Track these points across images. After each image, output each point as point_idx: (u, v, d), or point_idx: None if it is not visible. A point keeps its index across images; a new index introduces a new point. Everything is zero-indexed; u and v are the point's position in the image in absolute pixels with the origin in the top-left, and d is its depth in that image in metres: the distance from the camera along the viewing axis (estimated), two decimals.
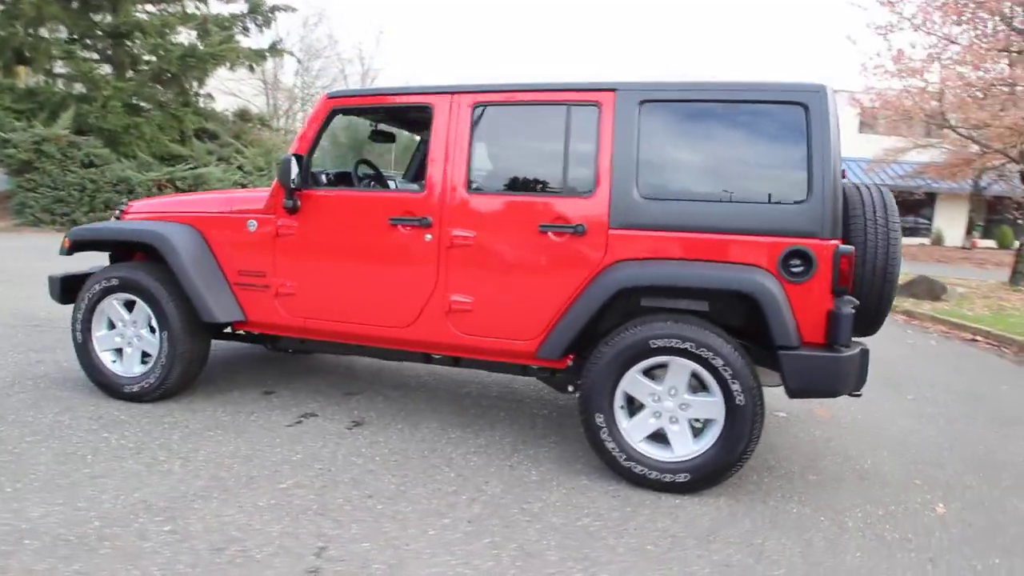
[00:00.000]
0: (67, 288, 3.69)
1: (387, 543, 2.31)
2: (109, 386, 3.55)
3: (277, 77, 23.40)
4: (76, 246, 3.67)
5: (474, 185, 3.03)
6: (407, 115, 3.68)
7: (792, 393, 2.67)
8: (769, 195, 2.71)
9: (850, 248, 2.63)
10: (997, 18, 10.71)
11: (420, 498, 2.65)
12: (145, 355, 3.58)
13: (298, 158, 3.15)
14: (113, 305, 3.56)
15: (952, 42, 10.99)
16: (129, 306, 3.56)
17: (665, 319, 2.74)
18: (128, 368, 3.57)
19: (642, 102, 2.81)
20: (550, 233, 2.89)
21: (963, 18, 10.95)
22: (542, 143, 3.00)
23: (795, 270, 2.65)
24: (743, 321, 2.83)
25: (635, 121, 2.81)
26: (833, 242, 2.62)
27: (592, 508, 2.64)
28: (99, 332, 3.60)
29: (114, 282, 3.49)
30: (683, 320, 2.73)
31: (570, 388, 3.19)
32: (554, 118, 2.94)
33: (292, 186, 3.15)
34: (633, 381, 2.81)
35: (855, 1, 11.69)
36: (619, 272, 2.77)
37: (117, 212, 3.78)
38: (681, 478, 2.76)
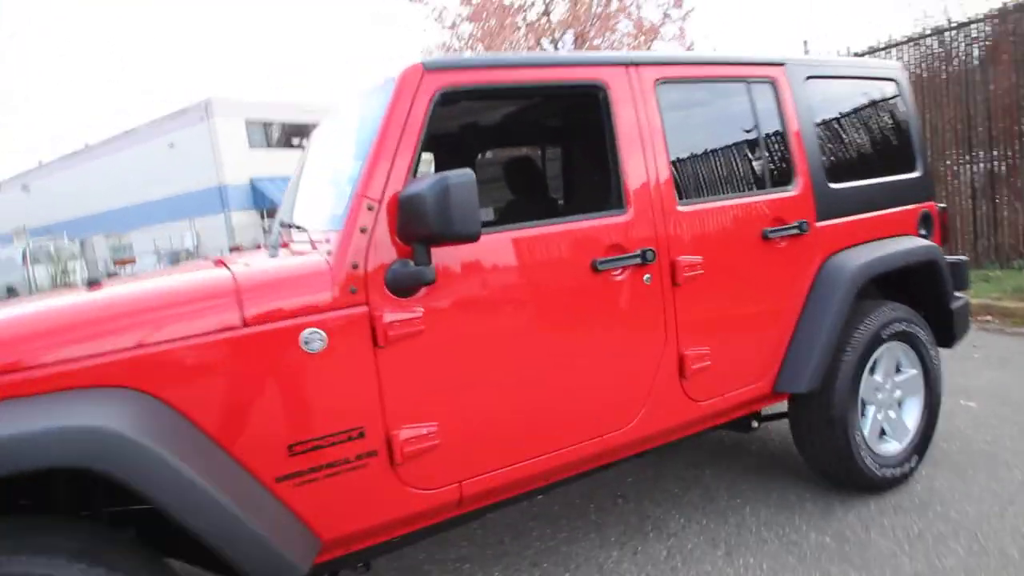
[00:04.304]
0: None
1: None
2: None
3: None
4: None
5: (683, 193, 2.15)
6: (555, 102, 2.27)
7: (953, 343, 2.87)
8: (901, 167, 2.81)
9: (944, 205, 2.98)
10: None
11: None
12: None
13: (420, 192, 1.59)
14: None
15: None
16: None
17: (883, 306, 2.56)
18: None
19: (807, 78, 2.50)
20: (775, 238, 2.31)
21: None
22: (731, 129, 2.34)
23: (922, 232, 2.85)
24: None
25: (807, 100, 2.48)
26: (934, 203, 2.93)
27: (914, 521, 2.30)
28: None
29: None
30: (892, 303, 2.61)
31: (754, 424, 2.66)
32: (738, 98, 2.33)
33: (444, 238, 1.59)
34: (866, 383, 2.54)
35: None
36: (846, 266, 2.43)
37: None
38: (913, 463, 2.66)
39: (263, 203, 24.66)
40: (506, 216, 2.90)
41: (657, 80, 2.12)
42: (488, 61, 1.88)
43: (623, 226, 1.99)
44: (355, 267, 1.63)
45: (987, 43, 6.51)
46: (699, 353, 2.14)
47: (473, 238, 1.57)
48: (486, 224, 1.88)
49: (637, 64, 2.08)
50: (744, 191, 2.31)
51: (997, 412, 3.39)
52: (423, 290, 1.68)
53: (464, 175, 1.54)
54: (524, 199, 2.91)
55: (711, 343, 2.17)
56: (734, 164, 2.32)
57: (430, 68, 1.76)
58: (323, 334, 1.58)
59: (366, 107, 1.93)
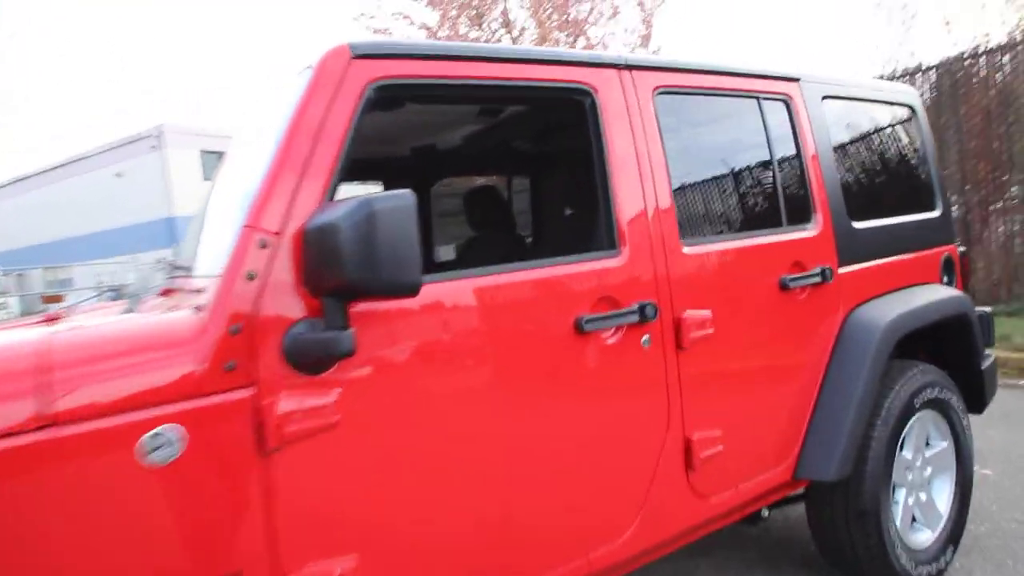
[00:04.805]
0: None
1: None
2: None
3: None
4: None
5: (687, 232, 1.69)
6: (530, 110, 1.78)
7: (983, 408, 2.48)
8: (922, 205, 2.44)
9: (964, 248, 2.63)
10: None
11: None
12: None
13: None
14: None
15: None
16: None
17: (913, 368, 2.14)
18: None
19: (824, 97, 2.12)
20: (795, 288, 1.87)
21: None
22: (740, 154, 1.92)
23: (945, 279, 2.48)
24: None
25: (824, 123, 2.09)
26: (955, 246, 2.57)
27: None
28: None
29: None
30: (922, 364, 2.20)
31: (764, 513, 2.18)
32: (747, 117, 1.92)
33: (368, 290, 1.09)
34: (897, 462, 2.10)
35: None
36: (875, 321, 2.00)
37: None
38: (949, 555, 2.22)
39: None
40: (464, 259, 2.40)
41: (656, 89, 1.68)
42: (440, 49, 1.41)
43: (616, 272, 1.52)
44: (236, 332, 1.11)
45: (958, 85, 6.44)
46: (709, 436, 1.67)
47: (409, 290, 1.08)
48: (434, 268, 1.39)
49: (632, 67, 1.64)
50: (756, 229, 1.88)
51: (1018, 481, 3.00)
52: (339, 364, 1.17)
53: (397, 198, 1.05)
54: (487, 235, 2.43)
55: (723, 423, 1.70)
56: (745, 197, 1.90)
57: (360, 54, 1.28)
58: (178, 435, 1.04)
59: (276, 107, 1.43)
